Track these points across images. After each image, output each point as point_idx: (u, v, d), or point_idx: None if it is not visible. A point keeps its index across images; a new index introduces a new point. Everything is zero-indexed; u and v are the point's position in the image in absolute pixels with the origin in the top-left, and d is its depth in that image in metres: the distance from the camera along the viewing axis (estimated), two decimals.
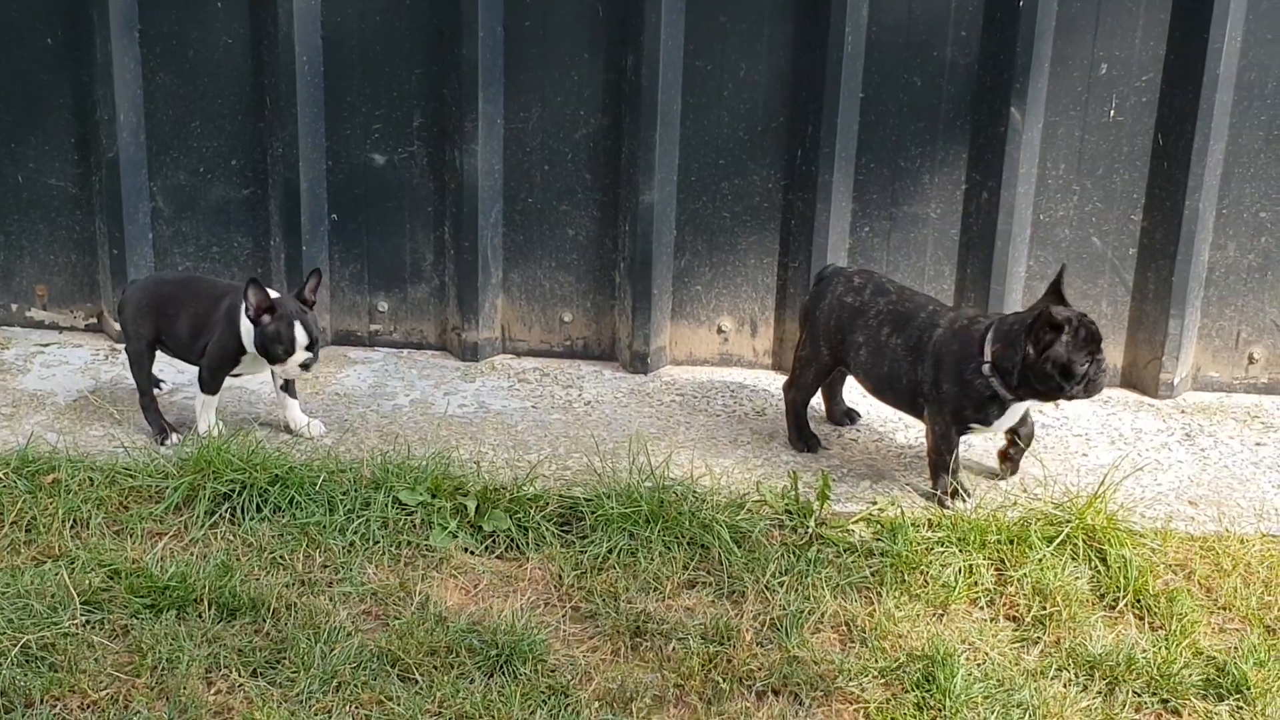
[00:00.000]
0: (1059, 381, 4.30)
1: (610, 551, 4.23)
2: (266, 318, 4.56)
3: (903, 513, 4.42)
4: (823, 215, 5.13)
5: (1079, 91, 4.97)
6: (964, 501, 4.52)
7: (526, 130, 5.17)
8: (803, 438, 4.85)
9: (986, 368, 4.35)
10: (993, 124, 5.00)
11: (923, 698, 3.77)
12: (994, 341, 4.34)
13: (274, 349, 4.58)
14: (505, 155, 5.19)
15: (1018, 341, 4.29)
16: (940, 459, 4.53)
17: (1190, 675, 3.87)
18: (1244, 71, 4.89)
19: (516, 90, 5.12)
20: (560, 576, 4.17)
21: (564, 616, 4.03)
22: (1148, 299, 5.18)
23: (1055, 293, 4.36)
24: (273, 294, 4.60)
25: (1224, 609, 4.16)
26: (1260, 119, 4.96)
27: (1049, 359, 4.27)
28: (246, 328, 4.61)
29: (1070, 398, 4.36)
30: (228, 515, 4.34)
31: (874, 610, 4.08)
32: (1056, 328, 4.26)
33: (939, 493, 4.55)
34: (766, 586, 4.15)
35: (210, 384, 4.75)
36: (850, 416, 5.02)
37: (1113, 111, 4.99)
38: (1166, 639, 4.00)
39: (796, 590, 4.14)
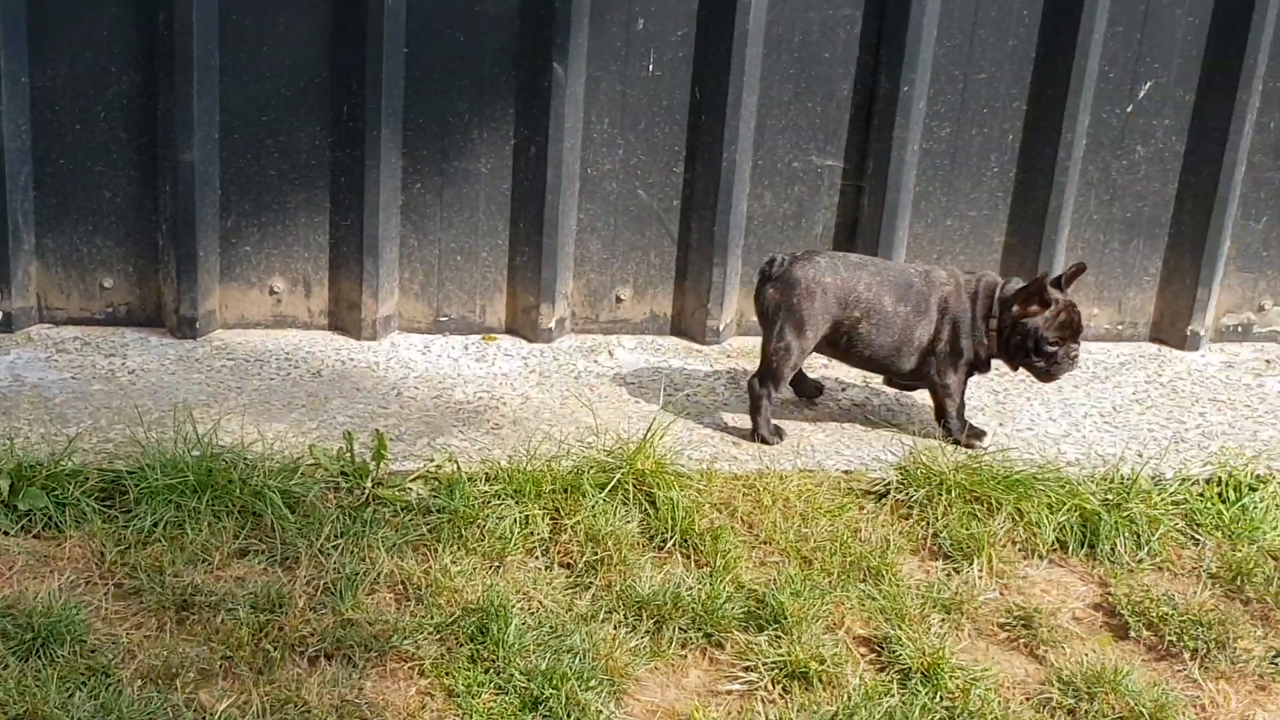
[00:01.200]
0: (1028, 351, 4.70)
1: (156, 525, 4.09)
2: None
3: (459, 468, 4.43)
4: (372, 172, 5.08)
5: (619, 46, 5.07)
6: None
7: (54, 88, 4.92)
8: (772, 431, 4.81)
9: (994, 323, 4.73)
10: (537, 79, 5.04)
11: (477, 650, 3.80)
12: (1001, 302, 4.72)
13: None
14: (32, 115, 4.92)
15: (1007, 304, 4.71)
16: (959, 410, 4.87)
17: (733, 609, 4.02)
18: (771, 25, 5.07)
19: (42, 46, 4.87)
20: (102, 553, 4.00)
21: (106, 594, 3.87)
22: (692, 249, 5.34)
23: (1068, 279, 4.71)
24: None
25: (765, 543, 4.34)
26: (789, 72, 5.16)
27: (1026, 328, 4.67)
28: None
29: (1033, 372, 4.76)
30: None
31: (430, 567, 4.08)
32: (1045, 303, 4.65)
33: (963, 437, 4.86)
34: (321, 550, 4.09)
35: None
36: (819, 387, 5.10)
37: (651, 66, 5.11)
38: (711, 575, 4.15)
39: (352, 552, 4.11)
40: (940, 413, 4.88)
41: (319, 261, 5.24)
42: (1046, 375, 4.77)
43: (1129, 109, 5.31)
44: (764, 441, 4.78)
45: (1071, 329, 4.70)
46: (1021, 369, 4.81)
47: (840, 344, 4.80)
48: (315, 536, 4.13)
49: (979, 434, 4.89)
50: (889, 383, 5.15)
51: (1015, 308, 4.70)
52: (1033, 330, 4.69)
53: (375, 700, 3.64)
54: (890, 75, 5.15)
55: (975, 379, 4.94)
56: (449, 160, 5.16)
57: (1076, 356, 4.74)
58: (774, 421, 4.82)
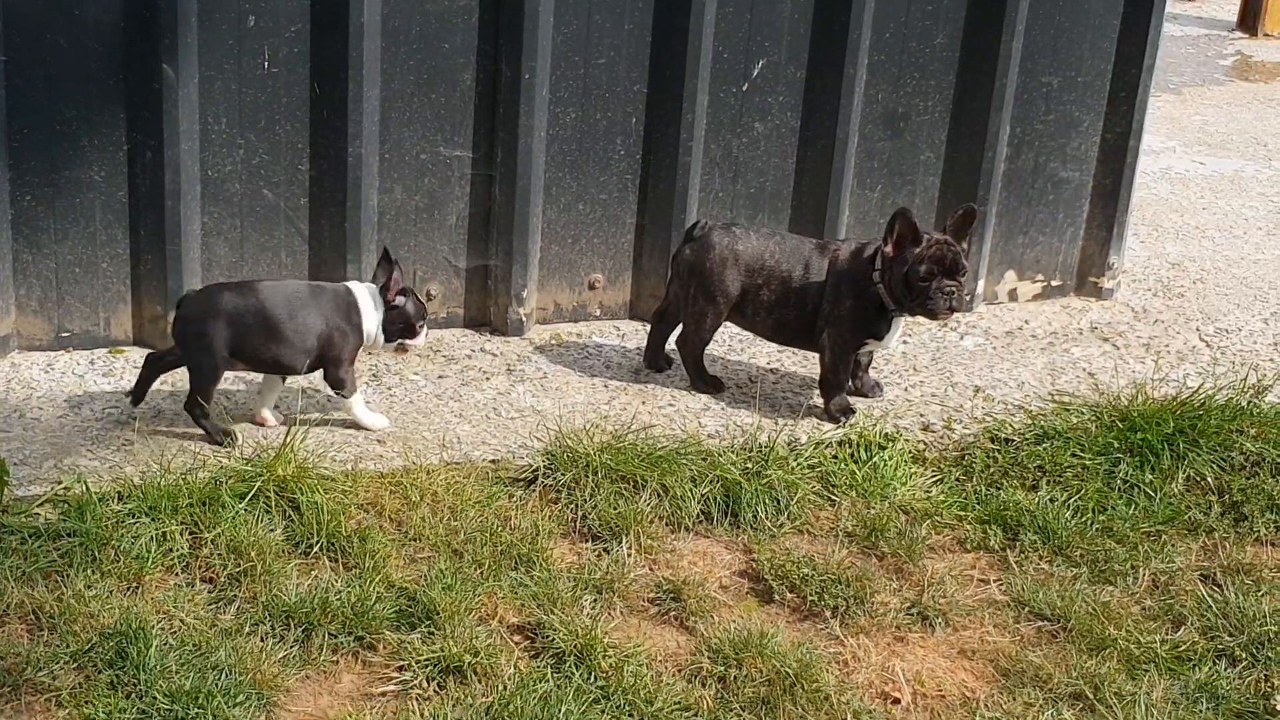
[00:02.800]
0: (903, 290, 4.78)
1: None
2: (403, 298, 4.71)
3: (89, 489, 4.26)
4: None
5: (231, 45, 4.93)
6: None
7: None
8: (708, 381, 5.16)
9: (877, 274, 4.83)
10: (147, 82, 4.87)
11: (116, 676, 3.67)
12: (883, 260, 4.84)
13: (415, 324, 4.74)
14: None
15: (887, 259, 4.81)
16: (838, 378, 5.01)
17: (384, 609, 3.98)
18: (388, 18, 5.02)
19: None
20: None
21: None
22: (325, 246, 5.25)
23: (957, 229, 4.81)
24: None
25: (414, 540, 4.30)
26: (409, 64, 5.12)
27: (899, 266, 4.75)
28: (372, 319, 4.69)
29: (912, 313, 4.85)
30: None
31: (63, 594, 3.92)
32: (916, 241, 4.73)
33: (834, 410, 5.01)
34: None
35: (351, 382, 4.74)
36: (669, 360, 5.27)
37: (267, 63, 4.99)
38: (360, 577, 4.09)
39: None
40: (823, 379, 5.04)
41: None
42: (928, 312, 4.82)
43: (745, 88, 5.45)
44: (701, 391, 5.13)
45: (943, 263, 4.75)
46: (919, 316, 4.91)
47: (747, 312, 5.04)
48: None
49: (849, 409, 5.02)
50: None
51: (888, 248, 4.80)
52: (905, 266, 4.77)
53: None
54: (511, 63, 5.16)
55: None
56: (59, 170, 4.94)
57: (954, 292, 4.78)
58: (711, 373, 5.19)
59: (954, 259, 4.78)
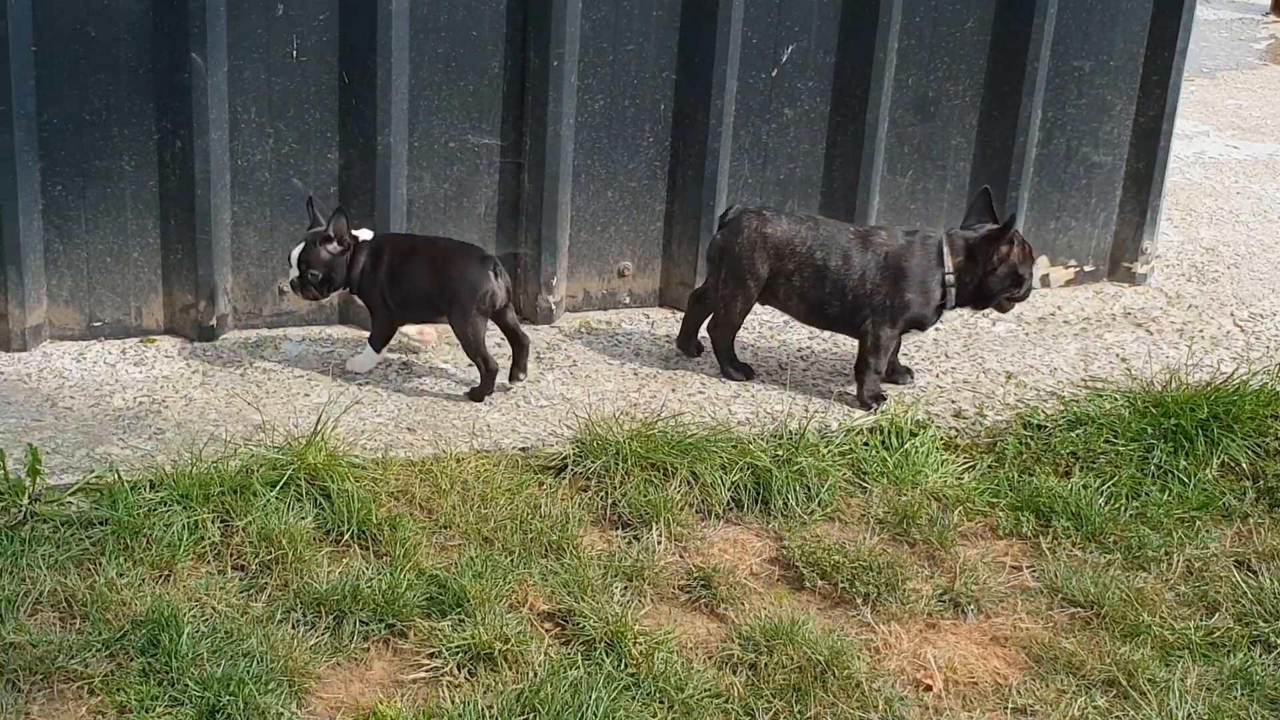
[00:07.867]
0: (1009, 289, 4.94)
1: None
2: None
3: (120, 477, 4.27)
4: (7, 177, 4.83)
5: (259, 33, 4.93)
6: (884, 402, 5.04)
7: None
8: (738, 368, 5.17)
9: (950, 277, 4.89)
10: (176, 71, 4.87)
11: (148, 663, 3.69)
12: (953, 254, 4.90)
13: None
14: None
15: (978, 254, 4.89)
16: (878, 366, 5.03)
17: (414, 597, 3.99)
18: (417, 6, 5.01)
19: None
20: None
21: None
22: None
23: (988, 210, 4.98)
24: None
25: (444, 528, 4.31)
26: (438, 52, 5.11)
27: (1005, 268, 4.89)
28: None
29: (1013, 302, 5.04)
30: None
31: (95, 582, 3.94)
32: (1010, 241, 4.88)
33: (867, 397, 5.01)
34: None
35: None
36: (700, 347, 5.30)
37: (296, 52, 4.99)
38: (391, 565, 4.10)
39: (11, 573, 3.94)
40: (862, 366, 5.03)
41: None
42: (1013, 304, 5.06)
43: (774, 73, 5.42)
44: (731, 378, 5.15)
45: (1031, 258, 4.99)
46: (988, 309, 5.08)
47: (780, 294, 5.05)
48: None
49: (881, 396, 5.02)
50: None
51: (1001, 248, 4.89)
52: (1011, 266, 4.91)
53: None
54: (539, 51, 5.14)
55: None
56: (89, 160, 4.95)
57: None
58: (741, 360, 5.21)
59: (1030, 249, 5.02)
